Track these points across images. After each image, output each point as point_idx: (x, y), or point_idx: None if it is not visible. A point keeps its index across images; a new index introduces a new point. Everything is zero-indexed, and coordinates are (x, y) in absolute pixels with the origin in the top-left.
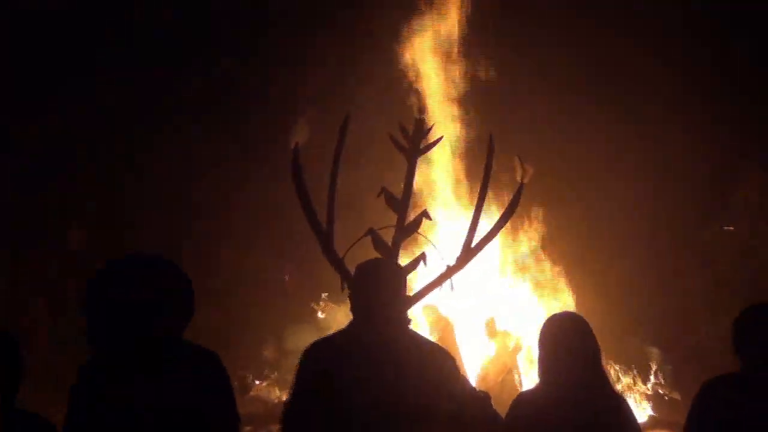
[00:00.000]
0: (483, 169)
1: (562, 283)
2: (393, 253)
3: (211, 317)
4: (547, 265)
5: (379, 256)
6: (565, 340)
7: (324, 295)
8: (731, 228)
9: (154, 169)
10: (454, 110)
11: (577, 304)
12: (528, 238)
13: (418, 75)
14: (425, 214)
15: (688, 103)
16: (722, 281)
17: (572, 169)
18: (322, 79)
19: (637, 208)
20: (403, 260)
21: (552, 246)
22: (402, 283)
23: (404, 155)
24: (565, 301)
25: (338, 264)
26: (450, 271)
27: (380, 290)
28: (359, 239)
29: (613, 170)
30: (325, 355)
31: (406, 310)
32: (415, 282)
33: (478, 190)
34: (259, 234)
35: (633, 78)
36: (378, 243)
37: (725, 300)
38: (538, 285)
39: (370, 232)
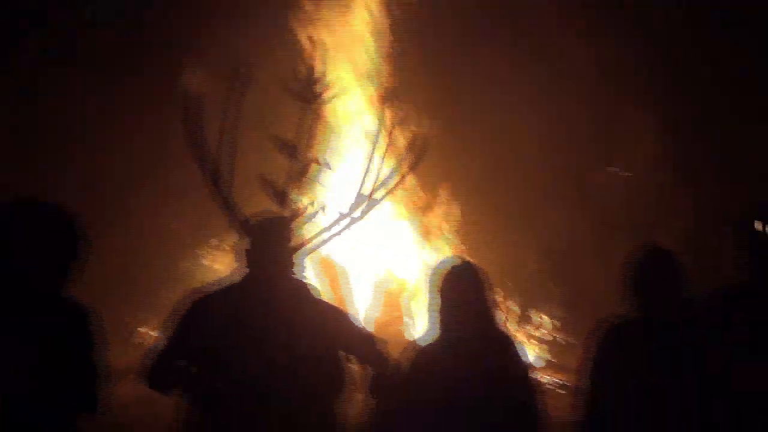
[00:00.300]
0: (379, 118)
1: (451, 228)
2: (285, 200)
3: (96, 264)
4: (436, 209)
5: (271, 204)
6: (456, 288)
7: (211, 241)
8: (618, 170)
9: (38, 117)
10: (351, 57)
11: (466, 247)
12: (418, 184)
13: (312, 21)
14: (319, 161)
15: (579, 45)
16: (611, 224)
17: (463, 112)
18: (211, 23)
19: (529, 151)
20: (295, 207)
21: (441, 190)
22: (290, 239)
23: (298, 101)
24: (453, 247)
25: (229, 209)
26: (347, 220)
27: (275, 248)
28: (255, 184)
29: (503, 113)
30: (215, 309)
31: (299, 259)
32: (308, 230)
33: (375, 138)
34: (146, 181)
35: (527, 24)
36: (270, 189)
37: (614, 243)
38: (426, 229)
39: (262, 177)
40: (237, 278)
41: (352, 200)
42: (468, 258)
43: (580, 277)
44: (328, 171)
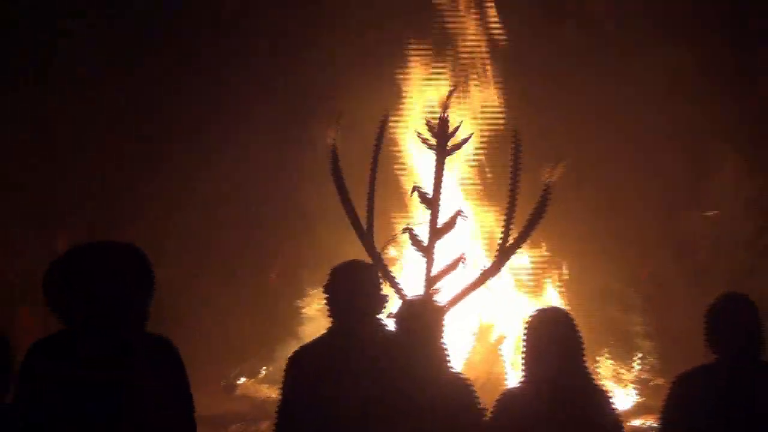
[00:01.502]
0: (510, 168)
1: (545, 276)
2: (428, 252)
3: (198, 316)
4: (529, 257)
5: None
6: (549, 335)
7: (310, 291)
8: (711, 213)
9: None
10: (476, 104)
11: (560, 295)
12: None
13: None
14: (460, 213)
15: (662, 85)
16: (701, 267)
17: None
18: (333, 72)
19: (617, 198)
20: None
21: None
22: (377, 284)
23: (435, 153)
24: (547, 294)
25: (379, 262)
26: (486, 275)
27: (357, 293)
28: (396, 236)
29: (587, 161)
30: (307, 363)
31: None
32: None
33: (506, 187)
34: (243, 233)
35: (611, 68)
36: (415, 241)
37: (705, 286)
38: (520, 277)
39: (407, 229)
40: (328, 331)
41: (495, 253)
42: (561, 306)
43: (676, 320)
44: (466, 222)
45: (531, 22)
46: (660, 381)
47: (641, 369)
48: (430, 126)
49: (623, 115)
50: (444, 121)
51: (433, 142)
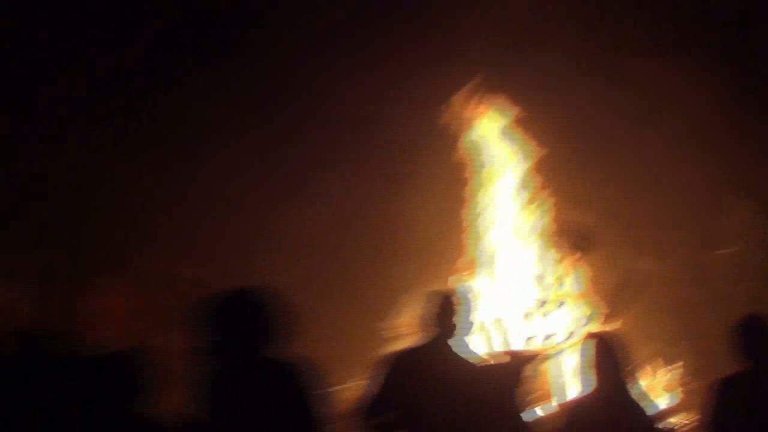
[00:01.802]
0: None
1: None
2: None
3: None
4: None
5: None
6: (606, 357)
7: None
8: (725, 251)
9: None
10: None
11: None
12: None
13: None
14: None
15: (684, 133)
16: (721, 295)
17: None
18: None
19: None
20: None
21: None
22: (467, 310)
23: (569, 252)
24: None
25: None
26: (553, 350)
27: (451, 314)
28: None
29: (620, 202)
30: (399, 363)
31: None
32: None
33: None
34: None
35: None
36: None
37: (725, 308)
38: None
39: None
40: (427, 339)
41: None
42: (611, 330)
43: (703, 338)
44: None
45: (562, 73)
46: (691, 388)
47: (672, 379)
48: (571, 235)
49: (649, 164)
50: (586, 233)
51: (573, 249)
